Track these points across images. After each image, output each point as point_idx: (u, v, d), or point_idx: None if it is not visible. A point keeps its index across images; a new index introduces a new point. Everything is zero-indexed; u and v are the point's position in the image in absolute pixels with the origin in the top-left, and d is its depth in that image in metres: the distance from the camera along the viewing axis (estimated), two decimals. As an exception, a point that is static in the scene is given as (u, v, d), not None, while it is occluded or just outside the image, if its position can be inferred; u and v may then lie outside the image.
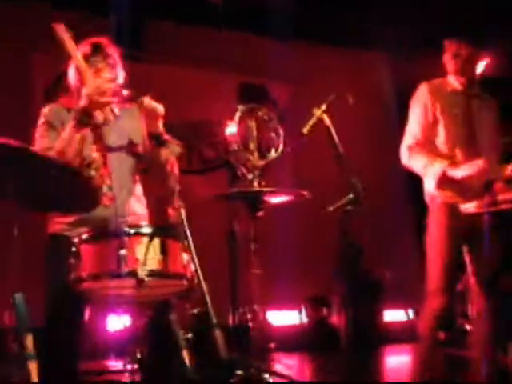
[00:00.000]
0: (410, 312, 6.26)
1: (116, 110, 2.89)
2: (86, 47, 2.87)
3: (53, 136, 2.80)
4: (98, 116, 2.81)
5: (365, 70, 6.54)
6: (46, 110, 2.90)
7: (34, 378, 1.99)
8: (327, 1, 5.78)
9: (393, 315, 6.08)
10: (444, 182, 3.14)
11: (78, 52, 2.78)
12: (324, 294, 5.52)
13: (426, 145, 3.28)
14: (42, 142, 2.80)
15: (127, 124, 2.96)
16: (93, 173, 2.75)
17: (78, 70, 2.79)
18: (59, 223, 2.80)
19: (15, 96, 5.33)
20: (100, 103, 2.74)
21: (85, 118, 2.71)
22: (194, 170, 5.70)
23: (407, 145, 3.32)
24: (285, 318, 5.87)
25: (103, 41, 2.90)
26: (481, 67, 3.43)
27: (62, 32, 2.72)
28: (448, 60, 3.39)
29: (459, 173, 3.10)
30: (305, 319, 5.79)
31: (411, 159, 3.29)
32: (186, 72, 6.03)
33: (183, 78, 5.97)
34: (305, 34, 6.12)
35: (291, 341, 5.41)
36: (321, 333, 5.58)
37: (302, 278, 5.52)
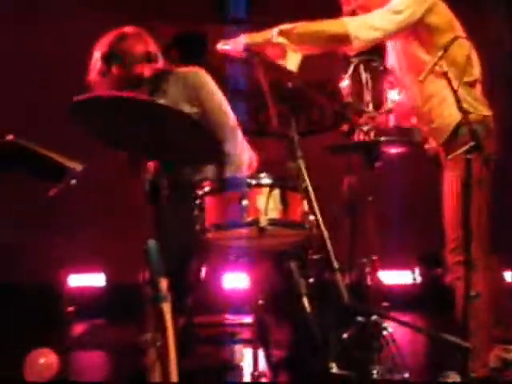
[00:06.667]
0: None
1: None
2: None
3: None
4: None
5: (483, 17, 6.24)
6: None
7: (168, 316, 2.11)
8: None
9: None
10: None
11: None
12: (438, 252, 5.42)
13: None
14: None
15: None
16: None
17: None
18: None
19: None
20: None
21: None
22: (300, 131, 5.66)
23: None
24: (397, 277, 5.82)
25: None
26: None
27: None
28: None
29: None
30: (418, 278, 5.71)
31: None
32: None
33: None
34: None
35: (404, 300, 5.36)
36: (434, 292, 5.49)
37: (416, 235, 5.42)
